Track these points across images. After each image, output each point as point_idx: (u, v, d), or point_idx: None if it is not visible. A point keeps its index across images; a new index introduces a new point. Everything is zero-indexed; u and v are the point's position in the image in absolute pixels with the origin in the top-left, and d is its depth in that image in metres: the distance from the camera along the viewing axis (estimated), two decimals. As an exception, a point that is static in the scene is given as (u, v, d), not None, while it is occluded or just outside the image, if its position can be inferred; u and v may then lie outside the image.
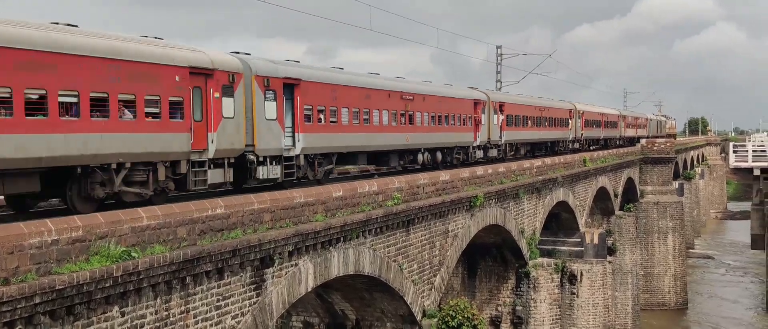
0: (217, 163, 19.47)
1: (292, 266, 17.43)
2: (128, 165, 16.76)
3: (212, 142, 19.13)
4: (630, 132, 74.97)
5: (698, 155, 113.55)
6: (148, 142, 17.20)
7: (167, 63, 17.74)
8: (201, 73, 18.80)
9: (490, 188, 29.09)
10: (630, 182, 57.05)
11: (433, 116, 31.99)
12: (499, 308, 35.27)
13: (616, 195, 52.73)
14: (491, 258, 35.29)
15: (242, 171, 20.84)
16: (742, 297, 65.44)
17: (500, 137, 40.22)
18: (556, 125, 51.07)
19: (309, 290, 18.35)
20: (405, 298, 22.87)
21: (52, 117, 14.81)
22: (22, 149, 14.29)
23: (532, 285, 34.83)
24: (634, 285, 52.43)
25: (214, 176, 19.45)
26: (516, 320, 34.84)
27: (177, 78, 17.94)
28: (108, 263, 12.23)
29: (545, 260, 35.53)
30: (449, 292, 33.49)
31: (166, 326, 13.91)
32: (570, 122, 54.43)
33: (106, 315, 12.61)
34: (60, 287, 11.34)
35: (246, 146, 20.61)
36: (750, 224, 69.11)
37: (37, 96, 14.60)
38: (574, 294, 40.53)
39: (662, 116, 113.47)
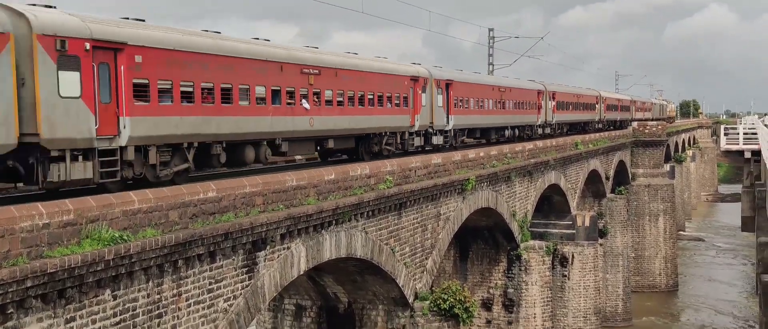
0: (417, 133, 31.08)
1: (284, 249, 17.46)
2: (387, 133, 28.61)
3: (417, 121, 30.69)
4: (639, 115, 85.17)
5: (690, 137, 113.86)
6: (395, 120, 29.13)
7: (403, 75, 29.96)
8: (413, 79, 30.64)
9: (482, 171, 29.14)
10: (621, 164, 57.23)
11: (515, 103, 43.17)
12: (491, 290, 35.41)
13: (607, 178, 52.92)
14: (483, 240, 35.40)
15: (424, 139, 31.98)
16: (732, 279, 65.93)
17: (552, 118, 50.34)
18: (587, 109, 61.41)
19: (301, 273, 18.40)
20: (397, 281, 22.96)
21: (366, 106, 26.87)
22: (357, 123, 26.42)
23: (523, 268, 34.98)
24: (624, 268, 52.75)
25: (417, 141, 31.05)
26: (507, 302, 35.00)
27: (405, 83, 29.95)
28: (100, 246, 12.23)
29: (537, 242, 35.67)
30: (441, 275, 33.61)
31: (158, 309, 13.94)
32: (596, 106, 64.25)
33: (98, 298, 12.63)
34: (51, 270, 11.34)
35: (429, 123, 31.71)
36: (740, 206, 69.29)
37: (360, 94, 26.48)
38: (566, 276, 40.76)
39: (663, 100, 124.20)
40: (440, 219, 25.90)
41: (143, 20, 17.84)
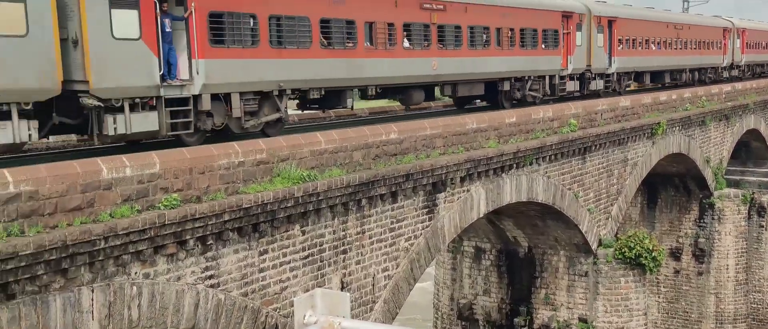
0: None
1: (463, 191, 17.58)
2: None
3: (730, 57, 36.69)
4: None
5: None
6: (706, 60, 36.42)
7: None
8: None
9: (674, 114, 27.74)
10: (833, 108, 52.44)
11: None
12: (680, 239, 33.96)
13: (816, 123, 48.71)
14: (673, 187, 33.88)
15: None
16: None
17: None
18: None
19: (480, 215, 18.48)
20: (580, 227, 22.51)
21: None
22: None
23: (716, 217, 33.22)
24: (833, 220, 48.65)
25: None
26: (698, 252, 33.45)
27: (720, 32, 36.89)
28: (289, 184, 12.88)
29: (732, 191, 33.68)
30: (626, 222, 32.60)
31: (343, 245, 14.54)
32: None
33: (288, 233, 13.35)
34: (246, 205, 12.10)
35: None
36: None
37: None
38: (763, 227, 38.16)
39: None
40: (627, 164, 25.00)
41: None
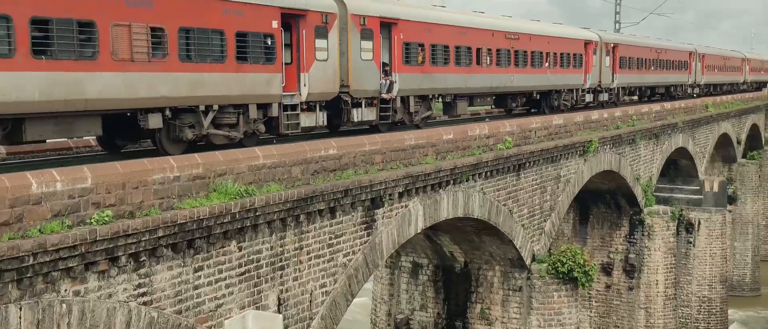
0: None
1: (402, 207, 17.61)
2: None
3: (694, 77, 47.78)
4: None
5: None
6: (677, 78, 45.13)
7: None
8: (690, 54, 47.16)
9: (605, 133, 28.36)
10: (754, 128, 54.41)
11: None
12: (612, 255, 34.64)
13: (739, 142, 50.45)
14: (604, 204, 34.58)
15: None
16: None
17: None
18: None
19: (418, 231, 18.53)
20: (514, 242, 22.78)
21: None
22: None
23: (646, 233, 33.98)
24: (754, 236, 50.49)
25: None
26: (628, 268, 34.14)
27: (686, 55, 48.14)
28: (226, 200, 12.68)
29: (661, 208, 34.52)
30: (559, 238, 33.11)
31: (281, 261, 14.38)
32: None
33: (225, 249, 13.14)
34: (181, 221, 11.86)
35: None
36: None
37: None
38: (691, 243, 39.36)
39: None
40: (560, 181, 25.43)
41: None
